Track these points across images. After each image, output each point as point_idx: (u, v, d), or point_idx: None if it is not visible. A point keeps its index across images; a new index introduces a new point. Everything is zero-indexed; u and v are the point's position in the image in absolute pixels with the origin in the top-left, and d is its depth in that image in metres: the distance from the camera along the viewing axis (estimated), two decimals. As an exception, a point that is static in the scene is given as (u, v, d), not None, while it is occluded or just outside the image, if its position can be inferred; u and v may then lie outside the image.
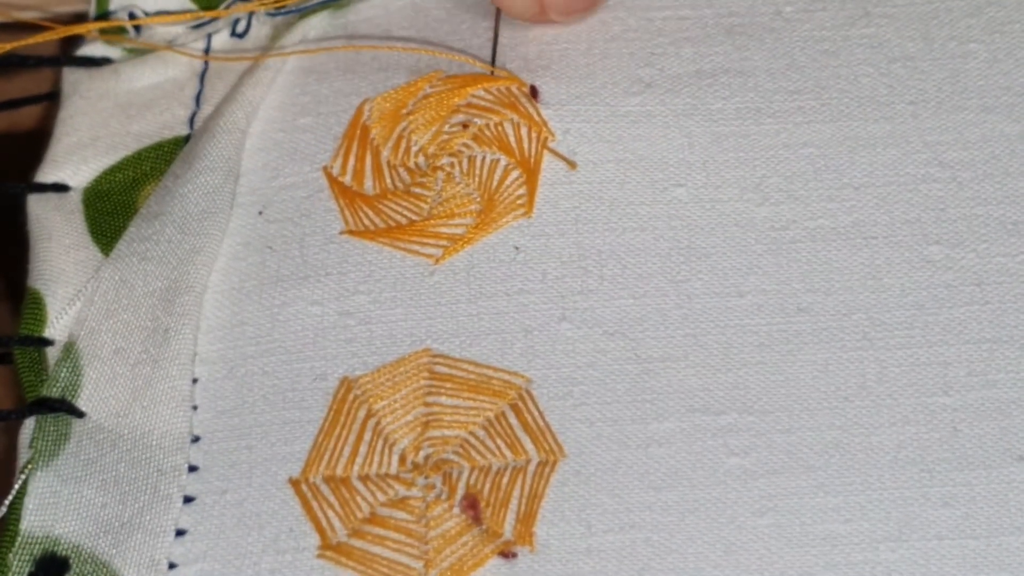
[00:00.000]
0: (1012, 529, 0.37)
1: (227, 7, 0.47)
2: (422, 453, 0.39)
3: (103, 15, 0.48)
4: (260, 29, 0.48)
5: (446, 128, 0.44)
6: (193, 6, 0.48)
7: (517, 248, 0.42)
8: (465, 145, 0.44)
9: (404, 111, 0.44)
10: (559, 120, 0.44)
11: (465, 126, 0.44)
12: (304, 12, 0.47)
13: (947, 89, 0.44)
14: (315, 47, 0.47)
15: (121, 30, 0.48)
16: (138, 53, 0.48)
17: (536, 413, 0.39)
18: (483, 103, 0.44)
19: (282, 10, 0.47)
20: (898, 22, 0.45)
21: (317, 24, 0.47)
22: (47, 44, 0.48)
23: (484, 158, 0.43)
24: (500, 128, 0.44)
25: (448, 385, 0.40)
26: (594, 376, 0.40)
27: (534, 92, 0.44)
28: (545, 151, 0.43)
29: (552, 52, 0.45)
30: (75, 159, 0.45)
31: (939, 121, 0.43)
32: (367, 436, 0.39)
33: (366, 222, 0.43)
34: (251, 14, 0.48)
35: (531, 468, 0.38)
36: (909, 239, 0.41)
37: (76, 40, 0.48)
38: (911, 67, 0.44)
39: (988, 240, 0.41)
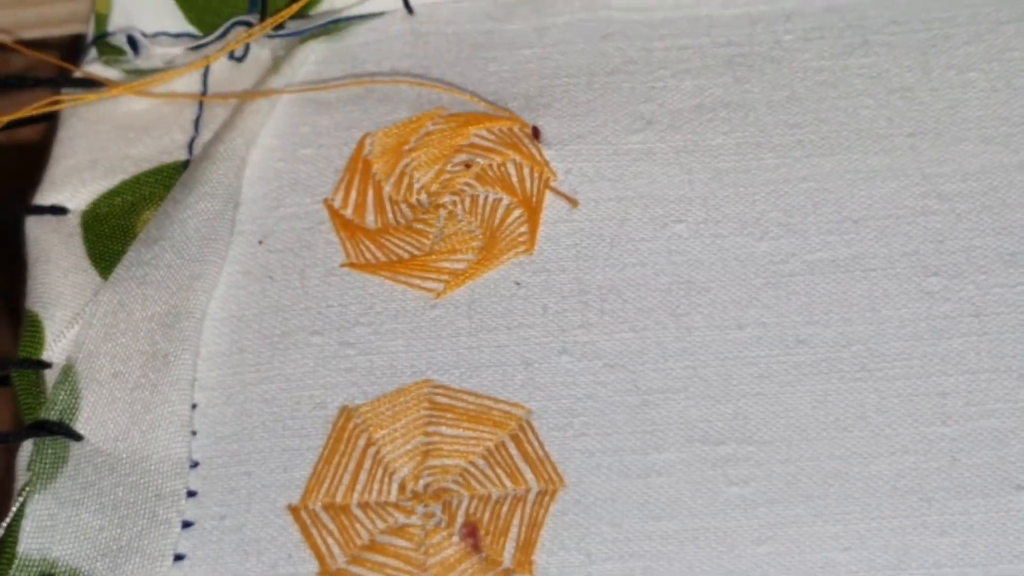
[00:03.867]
0: (1010, 557, 0.38)
1: (226, 31, 0.49)
2: (422, 482, 0.41)
3: (101, 37, 0.50)
4: (259, 52, 0.50)
5: (448, 167, 0.46)
6: (192, 28, 0.51)
7: (518, 283, 0.44)
8: (468, 184, 0.46)
9: (406, 147, 0.47)
10: (561, 160, 0.46)
11: (468, 166, 0.46)
12: (303, 36, 0.49)
13: (946, 120, 0.46)
14: (314, 70, 0.49)
15: (119, 51, 0.50)
16: (137, 75, 0.49)
17: (536, 443, 0.41)
18: (485, 143, 0.46)
19: (280, 33, 0.49)
20: (897, 50, 0.47)
21: (316, 48, 0.49)
22: (45, 64, 0.50)
23: (487, 197, 0.46)
24: (503, 168, 0.46)
25: (448, 415, 0.42)
26: (594, 407, 0.42)
27: (536, 133, 0.47)
28: (547, 190, 0.46)
29: (554, 88, 0.48)
30: (74, 182, 0.47)
31: (938, 153, 0.45)
32: (367, 464, 0.41)
33: (367, 255, 0.45)
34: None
35: (531, 497, 0.40)
36: (908, 271, 0.43)
37: (74, 61, 0.50)
38: (909, 98, 0.46)
39: (986, 271, 0.43)
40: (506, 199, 0.46)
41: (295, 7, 0.49)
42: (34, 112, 0.47)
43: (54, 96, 0.48)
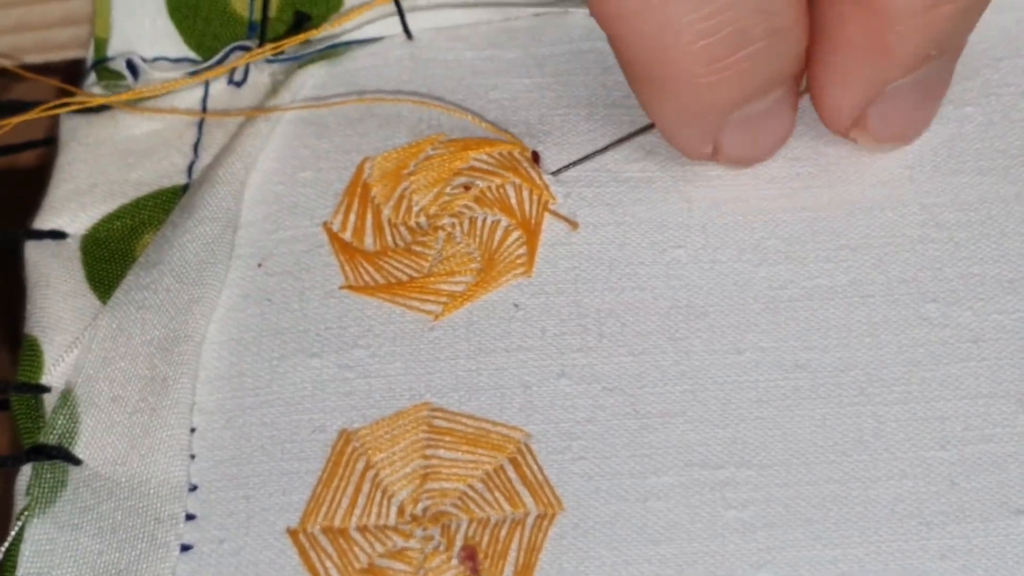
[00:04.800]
0: None
1: (225, 55, 0.50)
2: (420, 505, 0.41)
3: (100, 62, 0.50)
4: (258, 77, 0.50)
5: (448, 190, 0.46)
6: (191, 53, 0.51)
7: (517, 305, 0.44)
8: (466, 206, 0.46)
9: (405, 171, 0.47)
10: (560, 184, 0.46)
11: (467, 188, 0.46)
12: (302, 61, 0.50)
13: (943, 153, 0.46)
14: (313, 95, 0.49)
15: (118, 76, 0.50)
16: (136, 99, 0.49)
17: (535, 467, 0.41)
18: (485, 166, 0.47)
19: (280, 57, 0.50)
20: None
21: (316, 73, 0.49)
22: (45, 89, 0.50)
23: (485, 219, 0.46)
24: (502, 190, 0.46)
25: (447, 438, 0.42)
26: (593, 431, 0.42)
27: (536, 158, 0.47)
28: (546, 213, 0.46)
29: (554, 117, 0.48)
30: (73, 206, 0.47)
31: (935, 184, 0.45)
32: (365, 488, 0.41)
33: (366, 278, 0.45)
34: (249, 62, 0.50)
35: (529, 521, 0.40)
36: (906, 297, 0.43)
37: (73, 85, 0.50)
38: None
39: (984, 298, 0.43)
40: (505, 221, 0.46)
41: (301, 36, 0.49)
42: (42, 114, 0.48)
43: (57, 104, 0.48)
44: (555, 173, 0.46)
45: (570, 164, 0.46)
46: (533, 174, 0.46)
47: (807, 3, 0.41)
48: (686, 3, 0.39)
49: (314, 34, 0.49)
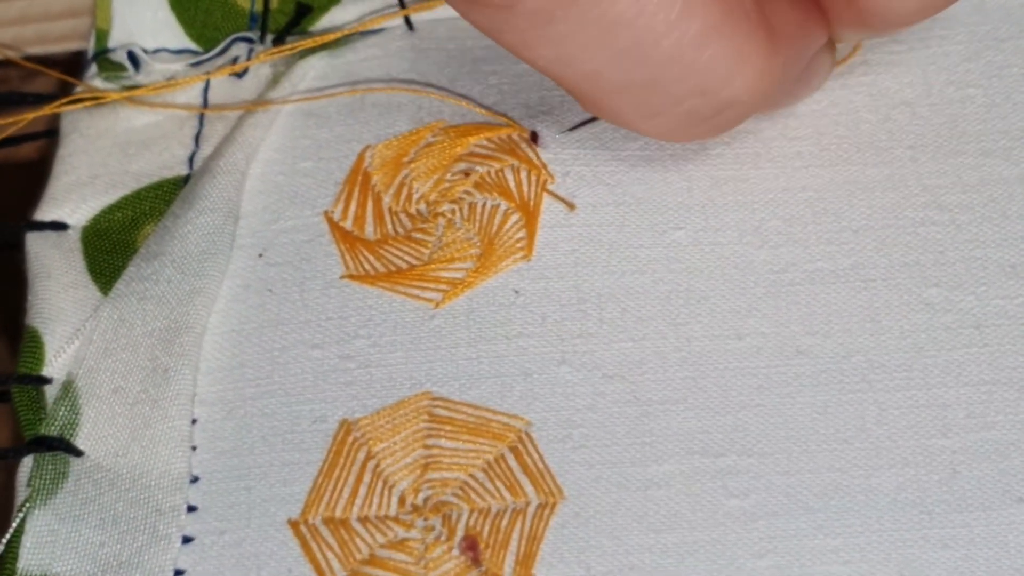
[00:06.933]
0: (1011, 571, 0.38)
1: (226, 47, 0.49)
2: (421, 495, 0.40)
3: (101, 53, 0.49)
4: (259, 69, 0.49)
5: (448, 176, 0.45)
6: (192, 44, 0.50)
7: (517, 292, 0.43)
8: (466, 192, 0.45)
9: (406, 159, 0.46)
10: (559, 163, 0.45)
11: (467, 174, 0.45)
12: (303, 52, 0.49)
13: (945, 134, 0.45)
14: (314, 86, 0.48)
15: (119, 68, 0.49)
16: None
17: (536, 455, 0.40)
18: (485, 151, 0.46)
19: (280, 48, 0.48)
20: (897, 68, 0.46)
21: (316, 64, 0.48)
22: (46, 80, 0.50)
23: (485, 204, 0.45)
24: (500, 174, 0.45)
25: (448, 428, 0.41)
26: (594, 419, 0.41)
27: (534, 137, 0.46)
28: (544, 193, 0.45)
29: (553, 98, 0.47)
30: (74, 197, 0.46)
31: (937, 165, 0.44)
32: (366, 478, 0.40)
33: (367, 267, 0.44)
34: (250, 52, 0.49)
35: (530, 510, 0.40)
36: (908, 282, 0.42)
37: (74, 76, 0.49)
38: (910, 113, 0.45)
39: (987, 283, 0.42)
40: (504, 204, 0.45)
41: (308, 43, 0.48)
42: (57, 110, 0.47)
43: (72, 100, 0.48)
44: (571, 130, 0.45)
45: (580, 123, 0.45)
46: (531, 154, 0.45)
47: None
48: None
49: (306, 45, 0.48)
